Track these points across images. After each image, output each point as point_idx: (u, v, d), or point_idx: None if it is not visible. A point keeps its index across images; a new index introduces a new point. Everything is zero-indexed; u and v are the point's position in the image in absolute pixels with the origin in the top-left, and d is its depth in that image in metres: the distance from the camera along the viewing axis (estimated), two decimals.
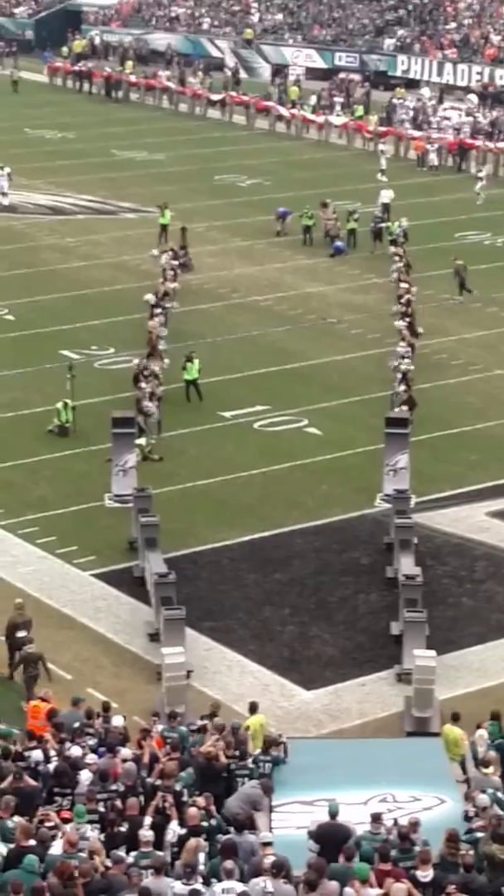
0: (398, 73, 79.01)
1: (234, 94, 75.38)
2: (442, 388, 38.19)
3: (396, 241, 48.71)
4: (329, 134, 69.77)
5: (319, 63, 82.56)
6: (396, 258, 46.47)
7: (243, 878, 16.12)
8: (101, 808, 18.22)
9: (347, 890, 15.97)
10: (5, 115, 73.43)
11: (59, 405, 34.90)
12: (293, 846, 17.21)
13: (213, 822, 17.92)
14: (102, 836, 17.53)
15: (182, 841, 17.23)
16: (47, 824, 17.32)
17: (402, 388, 35.61)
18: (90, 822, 17.71)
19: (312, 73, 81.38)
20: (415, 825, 17.53)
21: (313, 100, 73.34)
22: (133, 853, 16.96)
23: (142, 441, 33.26)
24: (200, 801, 18.09)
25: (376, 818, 17.77)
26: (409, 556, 27.58)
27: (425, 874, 16.47)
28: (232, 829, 17.74)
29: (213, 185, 60.42)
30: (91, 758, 19.46)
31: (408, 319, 40.53)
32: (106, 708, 21.71)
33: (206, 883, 16.19)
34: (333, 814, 17.64)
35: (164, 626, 25.29)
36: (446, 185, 60.35)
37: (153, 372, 35.81)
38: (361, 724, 23.97)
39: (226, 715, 22.07)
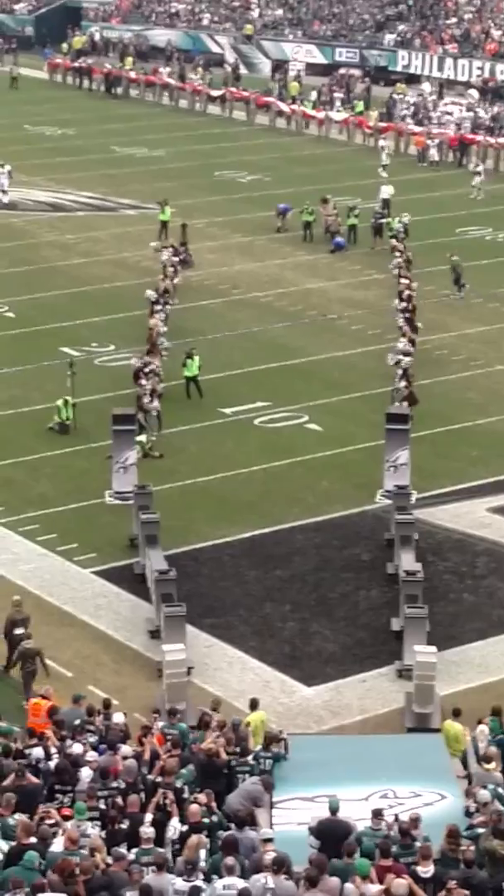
0: (399, 69, 78.93)
1: (234, 89, 75.30)
2: (443, 383, 38.18)
3: (397, 236, 48.69)
4: (329, 130, 69.72)
5: (320, 58, 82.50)
6: (397, 254, 46.46)
7: (244, 875, 16.13)
8: (102, 806, 18.24)
9: (348, 886, 15.98)
10: (5, 111, 73.36)
11: (60, 402, 34.89)
12: (294, 842, 17.23)
13: (215, 818, 17.93)
14: (103, 834, 17.55)
15: (183, 838, 17.24)
16: (48, 822, 17.32)
17: (403, 384, 35.62)
18: (91, 819, 17.73)
19: (313, 69, 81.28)
20: (416, 821, 17.55)
21: (314, 95, 73.23)
22: (134, 850, 16.97)
23: (142, 438, 33.26)
24: (202, 797, 18.09)
25: (377, 814, 17.78)
26: (410, 552, 27.57)
27: (426, 870, 16.49)
28: (233, 825, 17.75)
29: (214, 182, 60.39)
30: (92, 755, 19.47)
31: (408, 315, 40.48)
32: (107, 705, 21.72)
33: (208, 879, 16.20)
34: (334, 810, 17.66)
35: (164, 623, 25.29)
36: (447, 180, 60.31)
37: (153, 369, 35.80)
38: (362, 720, 23.98)
39: (226, 711, 22.07)
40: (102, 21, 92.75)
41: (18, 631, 24.72)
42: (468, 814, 18.28)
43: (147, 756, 19.74)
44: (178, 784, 18.75)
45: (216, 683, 24.75)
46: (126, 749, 19.78)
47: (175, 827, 17.78)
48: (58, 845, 16.73)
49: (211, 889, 15.91)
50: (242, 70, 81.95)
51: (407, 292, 41.86)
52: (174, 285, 43.89)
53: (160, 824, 17.78)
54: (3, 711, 22.30)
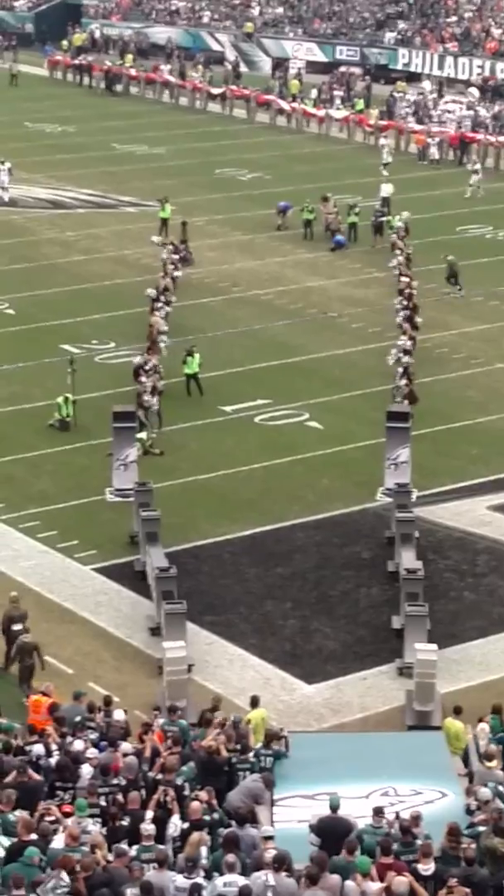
0: (399, 67, 78.89)
1: (234, 87, 75.25)
2: (443, 381, 38.18)
3: (398, 234, 48.67)
4: (330, 128, 69.70)
5: (320, 56, 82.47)
6: (397, 252, 46.47)
7: (245, 872, 16.13)
8: (103, 803, 18.22)
9: (349, 883, 15.97)
10: (5, 108, 73.35)
11: (60, 399, 34.88)
12: (295, 840, 17.22)
13: (216, 816, 17.92)
14: (104, 830, 17.53)
15: (184, 835, 17.24)
16: (48, 818, 17.32)
17: (404, 382, 35.61)
18: (91, 816, 17.72)
19: (313, 67, 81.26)
20: (417, 819, 17.53)
21: (314, 93, 73.25)
22: (134, 847, 16.96)
23: (142, 435, 33.25)
24: (203, 795, 18.08)
25: (378, 812, 17.77)
26: (411, 550, 27.58)
27: (427, 867, 16.48)
28: (233, 822, 17.75)
29: (214, 179, 60.37)
30: (92, 752, 19.46)
31: (408, 313, 40.48)
32: (107, 702, 21.70)
33: (208, 877, 16.20)
34: (334, 807, 17.65)
35: (165, 621, 25.29)
36: (447, 178, 60.28)
37: (154, 366, 35.79)
38: (363, 717, 23.99)
39: (227, 709, 22.06)
40: (103, 18, 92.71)
41: (16, 627, 24.73)
42: (469, 812, 18.27)
43: (148, 753, 19.72)
44: (179, 781, 18.74)
45: (217, 681, 24.75)
46: (126, 746, 19.76)
47: (176, 824, 17.77)
48: (58, 842, 16.73)
49: (212, 886, 15.91)
50: (243, 68, 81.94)
51: (407, 290, 41.86)
52: (174, 280, 43.86)
53: (161, 821, 17.76)
54: (4, 708, 22.28)
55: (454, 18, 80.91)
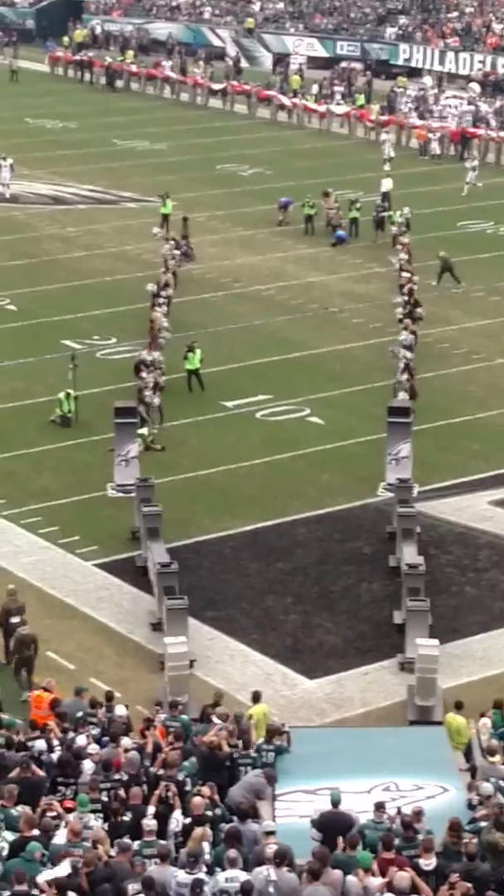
0: (400, 62, 78.86)
1: (235, 83, 75.28)
2: (444, 377, 38.18)
3: (399, 229, 48.62)
4: (331, 123, 69.68)
5: (321, 52, 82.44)
6: (399, 247, 46.45)
7: (246, 867, 16.14)
8: (105, 798, 18.24)
9: (351, 878, 15.98)
10: (6, 105, 73.36)
11: (62, 395, 34.89)
12: (296, 835, 17.22)
13: (218, 811, 17.93)
14: (106, 826, 17.55)
15: (186, 830, 17.25)
16: (50, 814, 17.33)
17: (405, 377, 35.60)
18: (93, 811, 17.74)
19: (314, 62, 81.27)
20: (418, 814, 17.53)
21: (315, 89, 73.24)
22: (136, 842, 16.96)
23: (144, 431, 33.25)
24: (205, 790, 18.09)
25: (379, 807, 17.78)
26: (412, 546, 27.57)
27: (428, 862, 16.49)
28: (235, 818, 17.76)
29: (215, 175, 60.35)
30: (94, 747, 19.47)
31: (409, 307, 40.46)
32: (109, 697, 21.74)
33: (210, 872, 16.20)
34: (335, 802, 17.65)
35: (166, 616, 25.29)
36: (448, 174, 60.20)
37: (155, 362, 35.79)
38: (364, 712, 23.98)
39: (229, 704, 22.05)
40: (103, 14, 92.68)
41: (14, 620, 24.74)
42: (470, 807, 18.28)
43: (149, 749, 19.74)
44: (181, 777, 18.75)
45: (218, 676, 24.75)
46: (128, 741, 19.77)
47: (177, 819, 17.78)
48: (60, 837, 16.74)
49: (213, 881, 15.92)
50: (244, 63, 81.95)
51: (408, 286, 41.85)
52: (175, 275, 43.85)
53: (163, 817, 17.77)
54: (6, 703, 22.31)
55: (455, 14, 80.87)
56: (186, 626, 25.10)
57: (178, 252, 46.23)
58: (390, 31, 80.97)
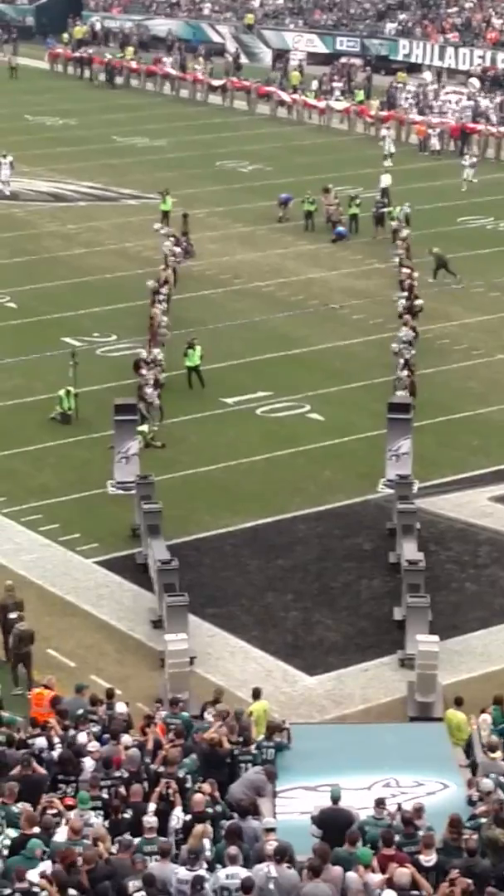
0: (399, 58, 78.81)
1: (235, 79, 75.25)
2: (444, 373, 38.19)
3: (399, 225, 48.61)
4: (330, 119, 69.67)
5: (321, 48, 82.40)
6: (399, 242, 46.45)
7: (247, 864, 16.16)
8: (105, 795, 18.25)
9: (351, 875, 16.00)
10: (6, 101, 73.34)
11: (62, 392, 34.91)
12: (297, 832, 17.23)
13: (218, 808, 17.95)
14: (106, 823, 17.57)
15: (187, 827, 17.27)
16: (50, 811, 17.35)
17: (405, 373, 35.61)
18: (94, 808, 17.76)
19: (314, 58, 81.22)
20: (419, 810, 17.54)
21: (315, 85, 73.20)
22: (137, 840, 16.98)
23: (144, 428, 33.27)
24: (206, 787, 18.11)
25: (380, 803, 17.79)
26: (412, 542, 27.58)
27: (428, 859, 16.51)
28: (236, 815, 17.77)
29: (215, 171, 60.35)
30: (94, 745, 19.48)
31: (409, 303, 40.47)
32: (109, 695, 21.74)
33: (211, 869, 16.22)
34: (335, 799, 17.67)
35: (167, 613, 25.30)
36: (448, 169, 60.17)
37: (155, 359, 35.80)
38: (364, 709, 24.00)
39: (229, 701, 22.08)
40: (103, 11, 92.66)
41: (12, 615, 24.76)
42: (471, 803, 18.30)
43: (150, 746, 19.76)
44: (181, 774, 18.76)
45: (219, 673, 24.77)
46: (128, 739, 19.78)
47: (178, 816, 17.79)
48: (61, 835, 16.76)
49: (214, 878, 15.94)
50: (243, 59, 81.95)
51: (408, 282, 41.86)
52: (175, 272, 43.84)
53: (163, 814, 17.79)
54: (6, 701, 22.33)
55: (454, 9, 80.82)
56: (187, 623, 25.12)
57: (177, 248, 46.24)
58: (390, 27, 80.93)
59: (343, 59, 79.58)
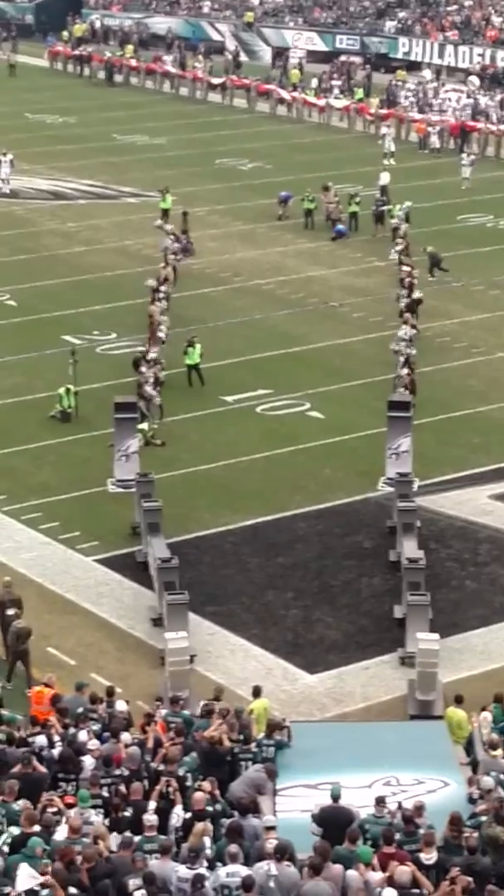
0: (399, 56, 78.79)
1: (234, 77, 75.21)
2: (444, 370, 38.17)
3: (399, 222, 48.59)
4: (330, 117, 69.64)
5: (320, 46, 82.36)
6: (399, 240, 46.43)
7: (247, 862, 16.15)
8: (105, 793, 18.24)
9: (351, 873, 15.99)
10: (6, 99, 73.34)
11: (62, 390, 34.89)
12: (297, 830, 17.23)
13: (219, 806, 17.94)
14: (106, 821, 17.56)
15: (187, 825, 17.25)
16: (51, 810, 17.33)
17: (405, 371, 35.59)
18: (94, 807, 17.74)
19: (313, 56, 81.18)
20: (420, 809, 17.53)
21: (314, 83, 73.18)
22: (137, 838, 16.97)
23: (144, 426, 33.26)
24: (206, 785, 18.10)
25: (380, 801, 17.78)
26: (412, 540, 27.57)
27: (429, 857, 16.50)
28: (236, 813, 17.76)
29: (214, 169, 60.33)
30: (94, 743, 19.47)
31: (409, 301, 40.45)
32: (110, 693, 21.72)
33: (211, 867, 16.21)
34: (335, 797, 17.66)
35: (167, 611, 25.30)
36: (448, 167, 60.14)
37: (155, 357, 35.78)
38: (365, 707, 23.99)
39: (229, 699, 22.07)
40: (103, 9, 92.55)
41: (10, 612, 24.75)
42: (471, 801, 18.30)
43: (150, 744, 19.75)
44: (181, 772, 18.76)
45: (219, 671, 24.77)
46: (128, 737, 19.78)
47: (178, 815, 17.79)
48: (61, 833, 16.74)
49: (214, 876, 15.93)
50: (243, 58, 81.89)
51: (408, 279, 41.85)
52: (175, 270, 43.81)
53: (163, 812, 17.78)
54: (6, 699, 22.31)
55: (454, 7, 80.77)
56: (187, 621, 25.11)
57: (177, 246, 46.23)
58: (389, 25, 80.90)
59: (343, 57, 79.55)
